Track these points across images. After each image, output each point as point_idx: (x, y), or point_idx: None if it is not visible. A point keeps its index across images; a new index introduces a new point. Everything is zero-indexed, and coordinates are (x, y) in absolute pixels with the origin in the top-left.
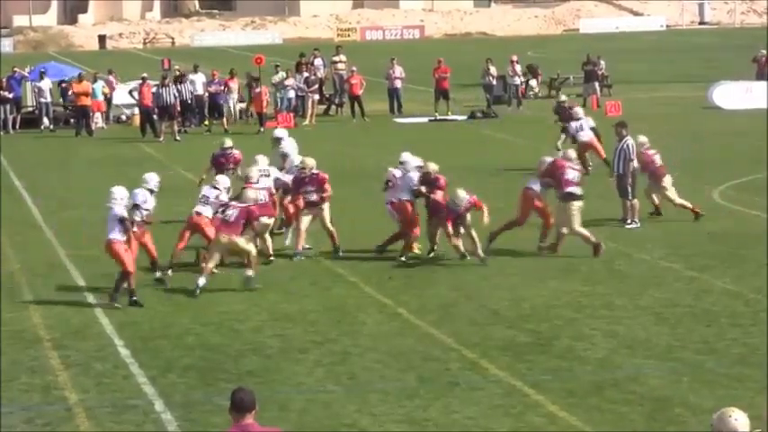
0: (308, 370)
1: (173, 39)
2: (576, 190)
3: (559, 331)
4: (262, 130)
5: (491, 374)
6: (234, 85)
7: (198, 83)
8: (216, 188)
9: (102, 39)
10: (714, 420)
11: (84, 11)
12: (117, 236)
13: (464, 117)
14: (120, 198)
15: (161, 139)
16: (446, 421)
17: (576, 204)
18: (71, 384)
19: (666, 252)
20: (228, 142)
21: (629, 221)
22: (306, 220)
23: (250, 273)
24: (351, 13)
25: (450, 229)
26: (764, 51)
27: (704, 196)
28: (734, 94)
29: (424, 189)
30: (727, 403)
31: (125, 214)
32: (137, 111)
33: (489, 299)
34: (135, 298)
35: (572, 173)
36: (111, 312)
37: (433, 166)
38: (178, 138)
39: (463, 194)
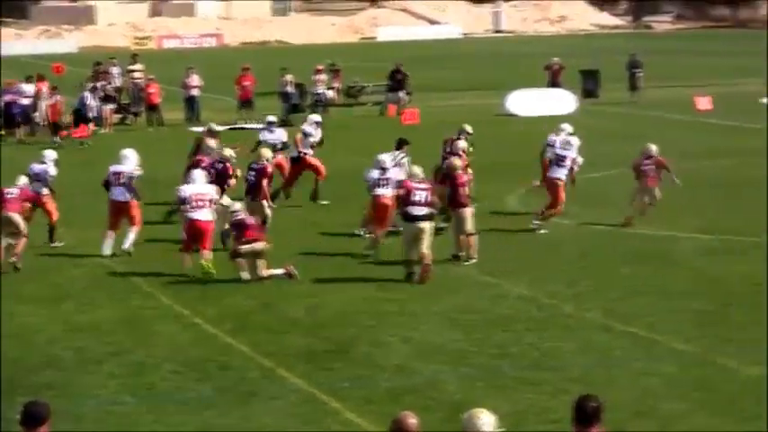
0: (104, 381)
1: None
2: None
3: (357, 338)
4: (57, 139)
5: (289, 383)
6: (45, 90)
7: None
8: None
9: None
10: (463, 421)
11: None
12: None
13: (262, 125)
14: None
15: None
16: (244, 430)
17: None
18: None
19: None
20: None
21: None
22: None
23: None
24: (147, 21)
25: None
26: (556, 59)
27: (502, 201)
28: (528, 102)
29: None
30: (522, 407)
31: None
32: None
33: (286, 307)
34: None
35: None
36: None
37: (654, 148)
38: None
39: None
